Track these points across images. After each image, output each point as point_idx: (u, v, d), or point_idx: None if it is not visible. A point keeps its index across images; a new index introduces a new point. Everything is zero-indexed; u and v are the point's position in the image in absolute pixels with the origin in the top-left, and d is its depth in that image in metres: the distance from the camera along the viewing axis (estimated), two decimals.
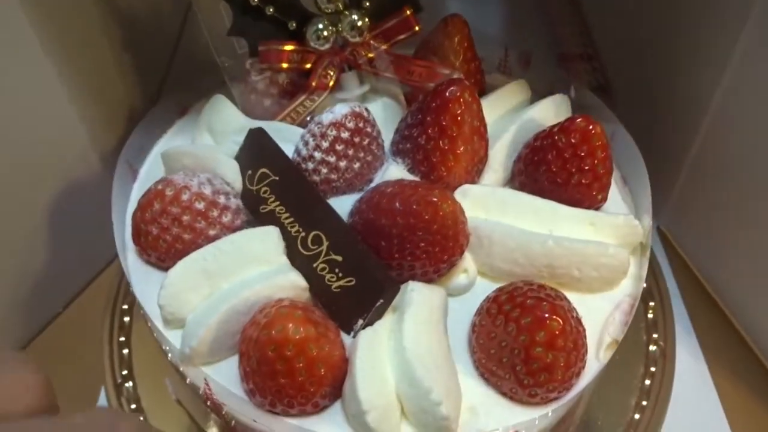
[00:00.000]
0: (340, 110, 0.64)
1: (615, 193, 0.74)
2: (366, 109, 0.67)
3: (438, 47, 0.78)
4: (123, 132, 0.84)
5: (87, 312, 0.86)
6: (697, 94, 0.83)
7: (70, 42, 0.76)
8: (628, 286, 0.66)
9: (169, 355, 0.62)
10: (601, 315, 0.64)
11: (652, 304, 0.85)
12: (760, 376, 0.83)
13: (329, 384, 0.56)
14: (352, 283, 0.59)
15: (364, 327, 0.58)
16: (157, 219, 0.64)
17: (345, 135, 0.64)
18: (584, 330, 0.58)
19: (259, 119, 0.76)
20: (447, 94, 0.65)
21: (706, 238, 0.89)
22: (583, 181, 0.67)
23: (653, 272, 0.87)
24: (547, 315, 0.54)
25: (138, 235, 0.66)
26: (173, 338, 0.62)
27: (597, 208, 0.70)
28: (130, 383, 0.79)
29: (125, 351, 0.80)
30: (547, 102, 0.77)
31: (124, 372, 0.79)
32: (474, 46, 0.80)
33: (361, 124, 0.65)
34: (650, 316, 0.84)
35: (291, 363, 0.54)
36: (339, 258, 0.60)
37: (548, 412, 0.58)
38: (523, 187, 0.71)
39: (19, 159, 0.75)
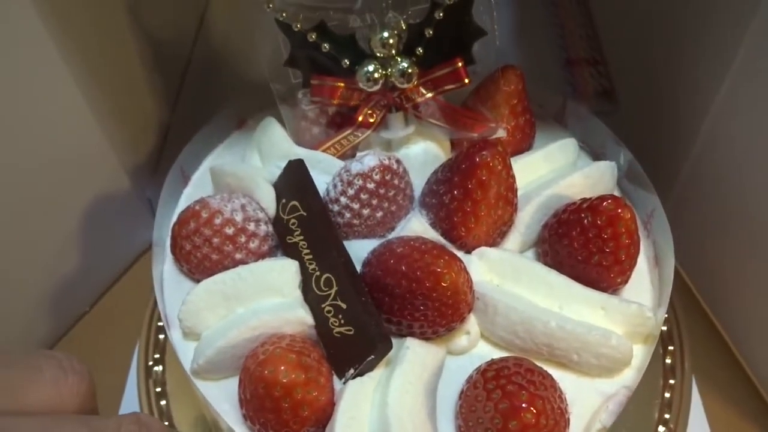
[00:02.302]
0: (369, 162, 0.66)
1: (644, 275, 0.73)
2: (397, 161, 0.69)
3: (488, 98, 0.78)
4: (142, 134, 0.88)
5: (113, 311, 0.93)
6: (694, 105, 0.84)
7: (91, 52, 0.82)
8: (628, 377, 0.65)
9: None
10: (595, 401, 0.64)
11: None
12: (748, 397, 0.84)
13: (313, 424, 0.60)
14: (351, 332, 0.62)
15: (354, 376, 0.61)
16: (190, 236, 0.69)
17: (371, 186, 0.67)
18: (566, 421, 0.59)
19: (306, 145, 0.79)
20: (477, 158, 0.66)
21: (701, 254, 0.90)
22: (604, 262, 0.66)
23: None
24: (524, 405, 0.55)
25: (174, 246, 0.71)
26: (189, 350, 0.67)
27: (616, 290, 0.69)
28: (160, 367, 0.86)
29: (161, 336, 0.87)
30: (591, 169, 0.76)
31: (156, 355, 0.87)
32: (526, 99, 0.79)
33: (388, 177, 0.67)
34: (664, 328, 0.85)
35: (278, 402, 0.58)
36: (343, 305, 0.63)
37: None
38: (545, 255, 0.71)
39: (44, 164, 0.80)
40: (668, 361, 0.84)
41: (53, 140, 0.82)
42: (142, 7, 0.93)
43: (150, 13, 0.95)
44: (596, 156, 0.83)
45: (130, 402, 0.85)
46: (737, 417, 0.82)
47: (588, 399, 0.64)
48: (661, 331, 0.86)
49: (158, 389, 0.84)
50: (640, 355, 0.66)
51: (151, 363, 0.86)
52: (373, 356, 0.60)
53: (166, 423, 0.82)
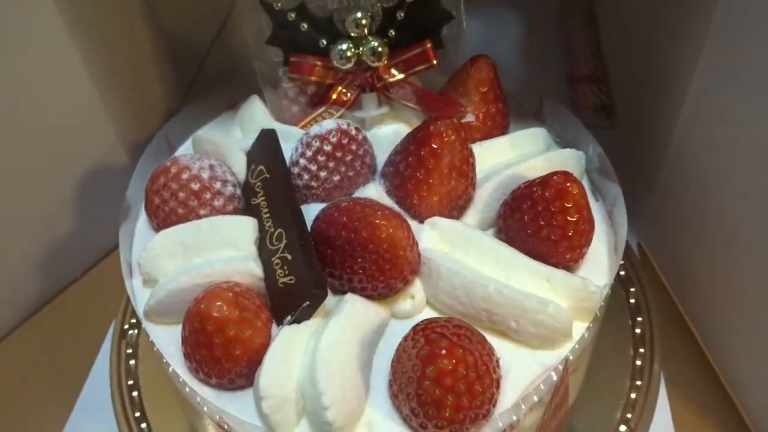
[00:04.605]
0: (327, 125, 0.70)
1: (603, 261, 0.72)
2: (356, 128, 0.72)
3: (460, 85, 0.80)
4: (146, 117, 0.94)
5: (102, 282, 0.98)
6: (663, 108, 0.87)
7: (101, 34, 0.88)
8: (572, 351, 0.64)
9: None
10: (533, 371, 0.63)
11: (639, 319, 0.86)
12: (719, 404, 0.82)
13: (245, 365, 0.61)
14: (292, 281, 0.64)
15: (290, 323, 0.63)
16: (160, 191, 0.73)
17: (327, 148, 0.69)
18: (494, 381, 0.58)
19: (286, 123, 0.83)
20: (431, 127, 0.68)
21: (677, 254, 0.91)
22: (552, 237, 0.66)
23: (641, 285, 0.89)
24: (443, 351, 0.56)
25: (146, 201, 0.75)
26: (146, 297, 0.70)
27: (568, 269, 0.69)
28: (135, 331, 0.89)
29: None
30: (554, 154, 0.77)
31: (133, 320, 0.90)
32: (499, 88, 0.81)
33: (345, 141, 0.70)
34: (638, 331, 0.85)
35: (210, 337, 0.60)
36: (289, 257, 0.65)
37: None
38: (499, 232, 0.72)
39: (43, 132, 0.86)
40: (638, 362, 0.83)
41: (54, 110, 0.88)
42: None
43: (166, 4, 1.02)
44: None
45: (103, 361, 0.88)
46: (705, 422, 0.79)
47: (526, 368, 0.63)
48: (634, 333, 0.86)
49: (129, 351, 0.87)
50: (584, 331, 0.65)
51: (127, 327, 0.90)
52: (308, 302, 0.62)
53: (131, 382, 0.84)
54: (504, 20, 1.31)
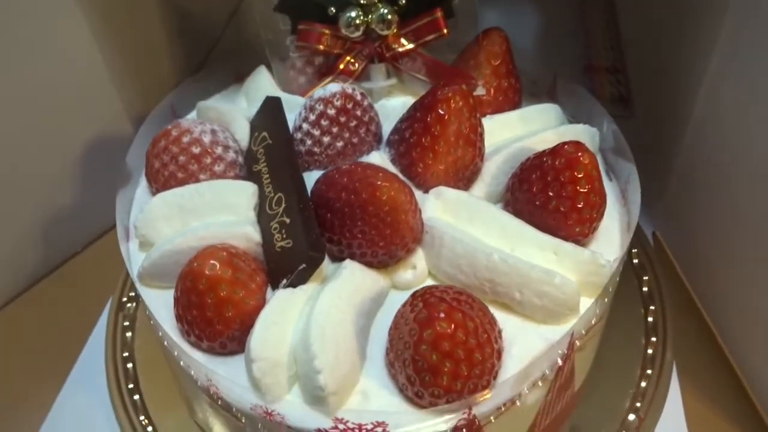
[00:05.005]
0: (331, 88, 0.68)
1: (615, 239, 0.70)
2: (362, 94, 0.70)
3: (471, 57, 0.78)
4: (154, 90, 0.91)
5: (103, 256, 0.96)
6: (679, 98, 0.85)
7: (111, 6, 0.88)
8: (577, 327, 0.61)
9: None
10: (537, 345, 0.60)
11: (652, 308, 0.84)
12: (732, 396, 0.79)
13: (237, 328, 0.59)
14: (290, 245, 0.62)
15: (286, 287, 0.61)
16: (160, 154, 0.71)
17: (331, 112, 0.68)
18: (495, 351, 0.56)
19: (292, 94, 0.81)
20: (438, 93, 0.66)
21: (693, 244, 0.88)
22: (561, 208, 0.64)
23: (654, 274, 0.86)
24: (441, 315, 0.53)
25: (147, 166, 0.74)
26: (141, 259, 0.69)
27: (578, 243, 0.66)
28: (133, 304, 0.88)
29: None
30: (566, 128, 0.74)
31: (132, 293, 0.89)
32: (512, 63, 0.79)
33: (349, 105, 0.68)
34: (650, 319, 0.83)
35: (202, 297, 0.58)
36: (288, 220, 0.63)
37: (438, 423, 0.56)
38: (507, 205, 0.69)
39: (48, 102, 0.86)
40: (649, 351, 0.80)
41: (61, 80, 0.87)
42: None
43: None
44: None
45: (99, 333, 0.87)
46: (717, 414, 0.76)
47: (529, 342, 0.60)
48: (646, 322, 0.83)
49: (126, 323, 0.86)
50: (591, 305, 0.62)
51: (125, 299, 0.88)
52: (304, 265, 0.60)
53: (126, 354, 0.83)
54: (522, 10, 1.29)
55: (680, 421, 0.74)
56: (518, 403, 0.59)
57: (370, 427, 0.54)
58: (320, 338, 0.56)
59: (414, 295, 0.57)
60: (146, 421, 0.77)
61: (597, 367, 0.75)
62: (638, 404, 0.75)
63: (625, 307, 0.83)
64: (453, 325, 0.53)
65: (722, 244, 0.82)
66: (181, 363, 0.63)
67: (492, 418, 0.59)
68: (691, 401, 0.76)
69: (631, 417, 0.74)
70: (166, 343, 0.62)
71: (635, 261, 0.88)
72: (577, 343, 0.61)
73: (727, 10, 0.75)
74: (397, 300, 0.63)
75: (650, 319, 0.82)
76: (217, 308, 0.58)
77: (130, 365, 0.81)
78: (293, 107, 0.76)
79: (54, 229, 0.95)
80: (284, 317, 0.59)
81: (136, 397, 0.78)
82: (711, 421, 0.75)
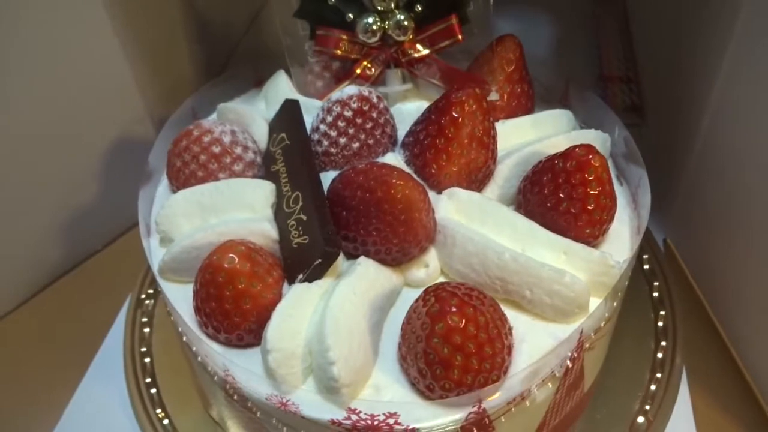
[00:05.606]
0: (348, 90, 0.70)
1: (625, 243, 0.71)
2: (378, 96, 0.72)
3: (485, 63, 0.80)
4: (175, 93, 0.93)
5: (123, 255, 0.99)
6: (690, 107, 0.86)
7: (136, 9, 0.91)
8: (586, 326, 0.62)
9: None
10: (547, 343, 0.61)
11: (662, 313, 0.85)
12: (741, 400, 0.79)
13: (254, 321, 0.61)
14: (306, 241, 0.64)
15: (302, 281, 0.62)
16: (181, 153, 0.74)
17: (348, 113, 0.69)
18: (505, 347, 0.57)
19: (310, 97, 0.83)
20: (453, 96, 0.68)
21: (703, 251, 0.89)
22: (572, 210, 0.65)
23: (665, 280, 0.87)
24: (454, 309, 0.54)
25: (168, 165, 0.76)
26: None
27: (590, 246, 0.67)
28: (152, 301, 0.90)
29: None
30: (578, 134, 0.76)
31: (150, 291, 0.91)
32: (525, 69, 0.81)
33: (366, 108, 0.70)
34: (660, 324, 0.84)
35: (221, 290, 0.60)
36: (304, 218, 0.65)
37: (448, 415, 0.57)
38: (518, 207, 0.70)
39: (73, 103, 0.88)
40: (659, 355, 0.80)
41: (85, 81, 0.90)
42: None
43: None
44: None
45: (118, 330, 0.89)
46: (726, 418, 0.76)
47: (539, 339, 0.61)
48: (656, 326, 0.84)
49: (144, 319, 0.88)
50: (600, 305, 0.63)
51: (143, 296, 0.90)
52: (320, 260, 0.61)
53: (144, 349, 0.84)
54: (536, 20, 1.30)
55: (690, 424, 0.75)
56: (528, 401, 0.61)
57: (382, 417, 0.56)
58: (335, 331, 0.57)
59: (427, 291, 0.58)
60: (162, 414, 0.79)
61: (607, 369, 0.76)
62: (647, 407, 0.76)
63: (636, 312, 0.85)
64: (464, 319, 0.54)
65: (732, 251, 0.83)
66: (199, 358, 0.65)
67: (502, 414, 0.60)
68: (700, 405, 0.77)
69: (641, 419, 0.75)
70: (184, 336, 0.64)
71: (646, 267, 0.89)
72: (586, 344, 0.62)
73: (737, 21, 0.76)
74: (409, 298, 0.64)
75: (660, 323, 0.83)
76: (235, 300, 0.60)
77: (147, 360, 0.83)
78: (311, 110, 0.78)
79: (76, 227, 0.97)
80: (300, 310, 0.60)
81: (153, 390, 0.80)
82: (720, 424, 0.75)
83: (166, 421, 0.78)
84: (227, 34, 1.20)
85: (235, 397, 0.65)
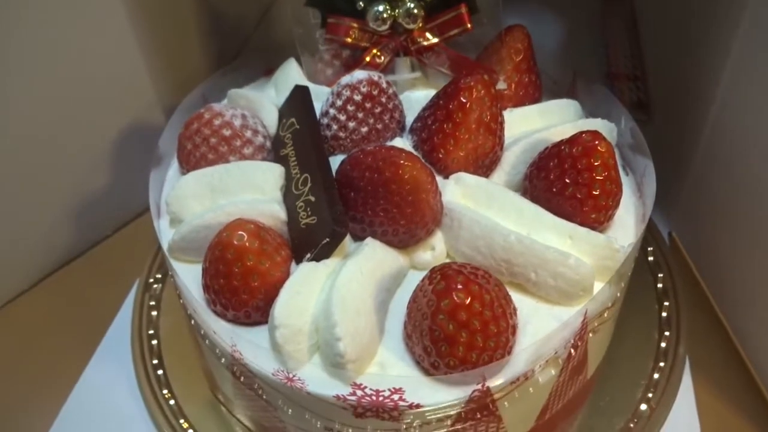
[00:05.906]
0: (358, 75, 0.71)
1: (629, 231, 0.71)
2: (387, 82, 0.72)
3: (494, 53, 0.81)
4: (187, 83, 0.94)
5: (133, 241, 1.00)
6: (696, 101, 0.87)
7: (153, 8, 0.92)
8: (590, 309, 0.63)
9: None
10: (550, 325, 0.62)
11: (666, 304, 0.85)
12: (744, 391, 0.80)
13: (262, 298, 0.62)
14: (314, 221, 0.64)
15: (310, 260, 0.63)
16: (192, 136, 0.75)
17: (357, 98, 0.70)
18: (510, 326, 0.58)
19: (319, 85, 0.84)
20: (461, 82, 0.69)
21: (708, 244, 0.90)
22: (578, 195, 0.66)
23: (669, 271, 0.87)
24: (460, 286, 0.55)
25: (179, 148, 0.77)
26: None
27: (596, 230, 0.68)
28: (160, 285, 0.91)
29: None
30: (585, 122, 0.76)
31: (158, 275, 0.92)
32: (533, 60, 0.81)
33: (375, 92, 0.71)
34: (664, 314, 0.84)
35: (230, 266, 0.61)
36: (313, 199, 0.66)
37: (452, 392, 0.58)
38: (525, 193, 0.71)
39: (86, 89, 0.90)
40: (663, 345, 0.81)
41: (98, 69, 0.91)
42: None
43: None
44: None
45: (126, 313, 0.90)
46: (728, 407, 0.76)
47: (543, 322, 0.62)
48: (660, 317, 0.84)
49: (152, 302, 0.89)
50: (604, 289, 0.64)
51: (152, 280, 0.91)
52: (328, 239, 0.62)
53: (152, 331, 0.85)
54: (544, 18, 1.31)
55: (692, 413, 0.75)
56: (531, 382, 0.61)
57: (387, 393, 0.56)
58: (341, 308, 0.58)
59: (433, 270, 0.59)
60: (169, 394, 0.79)
61: (610, 358, 0.77)
62: (650, 395, 0.76)
63: (640, 303, 0.85)
64: (470, 297, 0.55)
65: (737, 245, 0.83)
66: (207, 341, 0.66)
67: (505, 397, 0.60)
68: (702, 394, 0.77)
69: (643, 407, 0.75)
70: (191, 314, 0.65)
71: (651, 259, 0.90)
72: (590, 328, 0.63)
73: (743, 18, 0.77)
74: (415, 279, 0.65)
75: (664, 314, 0.84)
76: (243, 277, 0.61)
77: (154, 342, 0.84)
78: (320, 97, 0.79)
79: (86, 213, 0.98)
80: (307, 288, 0.61)
81: (160, 372, 0.81)
82: (722, 413, 0.76)
83: (172, 402, 0.79)
84: (239, 27, 1.21)
85: (242, 379, 0.65)
